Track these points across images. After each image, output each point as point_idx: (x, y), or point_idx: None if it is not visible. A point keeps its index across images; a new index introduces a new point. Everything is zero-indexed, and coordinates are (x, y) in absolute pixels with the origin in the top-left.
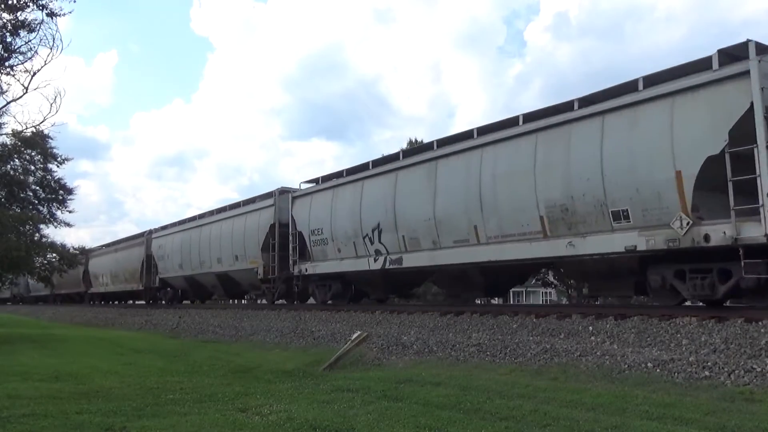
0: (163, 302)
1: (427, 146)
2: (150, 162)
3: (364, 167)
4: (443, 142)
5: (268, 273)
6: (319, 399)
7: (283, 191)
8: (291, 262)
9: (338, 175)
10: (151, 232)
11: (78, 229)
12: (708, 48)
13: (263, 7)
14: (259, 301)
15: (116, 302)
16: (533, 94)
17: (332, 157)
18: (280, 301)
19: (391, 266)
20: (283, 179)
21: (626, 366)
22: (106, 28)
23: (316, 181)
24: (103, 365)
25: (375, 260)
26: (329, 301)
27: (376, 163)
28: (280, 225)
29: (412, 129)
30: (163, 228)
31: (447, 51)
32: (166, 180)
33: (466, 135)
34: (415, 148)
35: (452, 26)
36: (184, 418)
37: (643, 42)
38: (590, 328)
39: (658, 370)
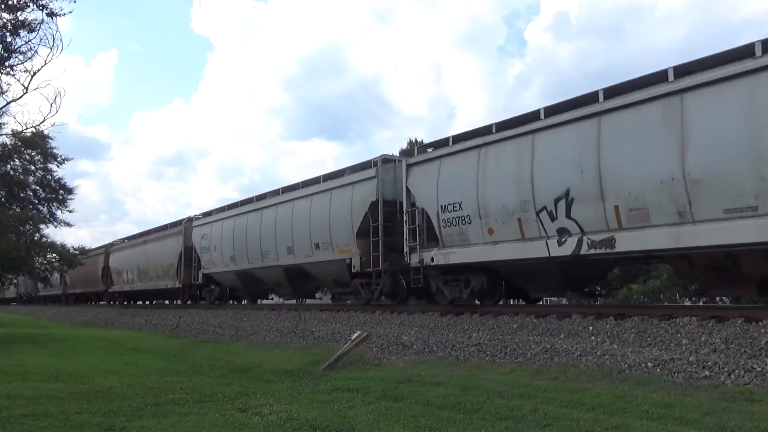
0: (206, 302)
1: (656, 77)
2: (150, 162)
3: (530, 117)
4: (688, 69)
5: (368, 265)
6: (319, 399)
7: (387, 160)
8: (407, 249)
9: (484, 131)
10: (191, 219)
11: (78, 229)
12: (709, 48)
13: (263, 7)
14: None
15: (149, 302)
16: (533, 93)
17: (332, 156)
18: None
19: (592, 251)
20: (283, 179)
21: (626, 366)
22: (106, 28)
23: (443, 143)
24: (103, 365)
25: (560, 243)
26: (464, 301)
27: (552, 110)
28: (384, 203)
29: (413, 129)
30: (207, 214)
31: (447, 51)
32: (167, 180)
33: (741, 53)
34: (631, 83)
35: (452, 26)
36: (184, 418)
37: (644, 41)
38: (590, 328)
39: (658, 370)
